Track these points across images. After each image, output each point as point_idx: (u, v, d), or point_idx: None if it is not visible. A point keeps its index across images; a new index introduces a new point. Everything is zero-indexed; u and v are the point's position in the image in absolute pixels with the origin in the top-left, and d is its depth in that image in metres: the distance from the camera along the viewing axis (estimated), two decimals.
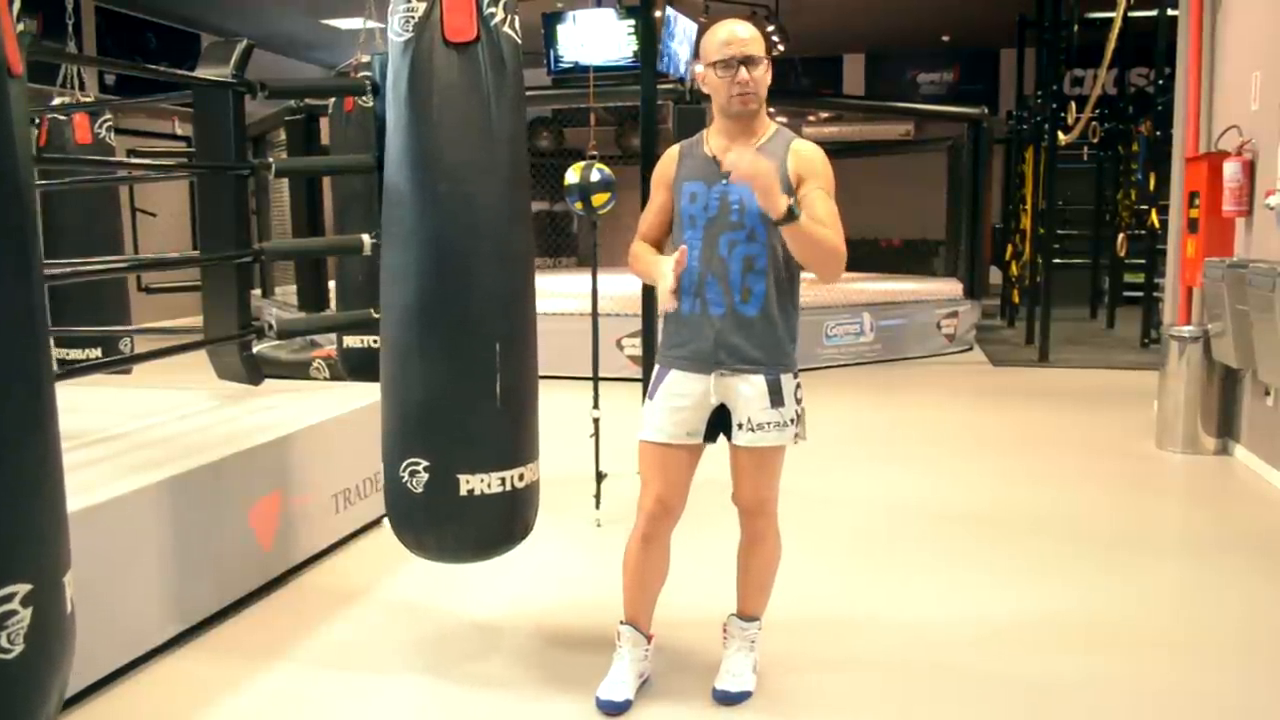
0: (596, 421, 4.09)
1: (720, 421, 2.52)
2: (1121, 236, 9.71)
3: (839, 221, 2.43)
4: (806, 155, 2.45)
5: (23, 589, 1.61)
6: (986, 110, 9.51)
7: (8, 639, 1.59)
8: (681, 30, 8.54)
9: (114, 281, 4.85)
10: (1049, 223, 9.10)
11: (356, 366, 4.33)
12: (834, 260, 2.37)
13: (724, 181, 2.44)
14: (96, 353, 4.66)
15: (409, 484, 2.61)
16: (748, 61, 2.38)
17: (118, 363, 4.05)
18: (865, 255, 10.71)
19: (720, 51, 2.40)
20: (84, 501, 2.56)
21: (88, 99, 4.87)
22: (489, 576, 3.40)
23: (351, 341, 4.31)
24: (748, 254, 2.42)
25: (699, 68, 2.47)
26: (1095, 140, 9.86)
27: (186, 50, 11.36)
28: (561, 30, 8.98)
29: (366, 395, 3.99)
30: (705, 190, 2.46)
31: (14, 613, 1.59)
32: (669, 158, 2.58)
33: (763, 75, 2.42)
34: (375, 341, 4.08)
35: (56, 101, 4.72)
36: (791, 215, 2.26)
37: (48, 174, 4.39)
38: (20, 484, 1.63)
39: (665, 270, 2.42)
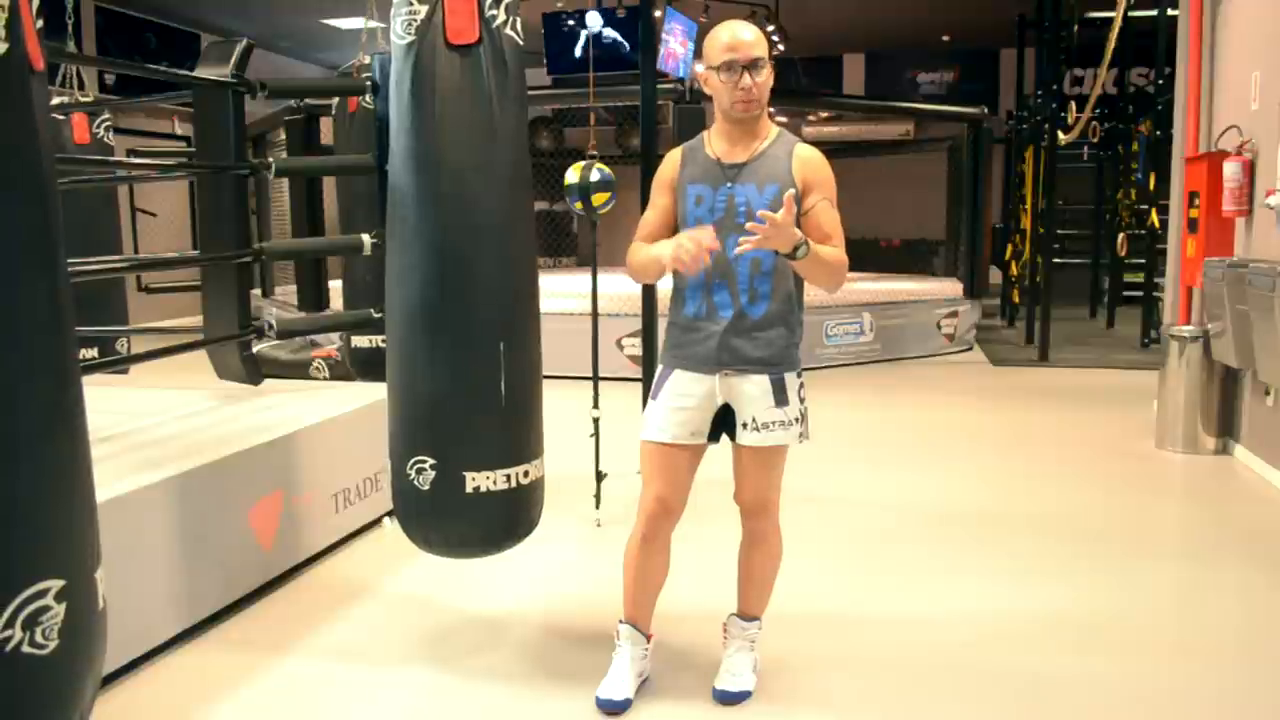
0: (596, 421, 4.09)
1: (723, 421, 2.53)
2: (1121, 236, 9.71)
3: (842, 232, 2.46)
4: (811, 162, 2.46)
5: (56, 584, 1.61)
6: (986, 110, 9.51)
7: (42, 634, 1.59)
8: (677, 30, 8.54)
9: (111, 282, 4.84)
10: (1049, 222, 9.10)
11: (364, 366, 4.33)
12: (838, 276, 2.43)
13: (729, 184, 2.45)
14: (93, 353, 4.66)
15: (416, 482, 2.63)
16: (751, 67, 2.38)
17: (114, 363, 4.05)
18: (865, 255, 10.69)
19: (723, 55, 2.39)
20: None
21: (86, 98, 4.86)
22: (489, 576, 3.41)
23: (360, 341, 4.31)
24: (755, 255, 2.41)
25: (700, 68, 2.47)
26: (1095, 140, 9.86)
27: (186, 50, 11.37)
28: (561, 30, 8.99)
29: (366, 395, 3.99)
30: (711, 193, 2.46)
31: (48, 608, 1.59)
32: (671, 161, 2.57)
33: (766, 79, 2.42)
34: (383, 341, 4.08)
35: (55, 101, 4.71)
36: (797, 253, 2.29)
37: None
38: (50, 479, 1.63)
39: (670, 242, 2.36)
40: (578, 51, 8.85)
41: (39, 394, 1.60)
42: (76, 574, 1.66)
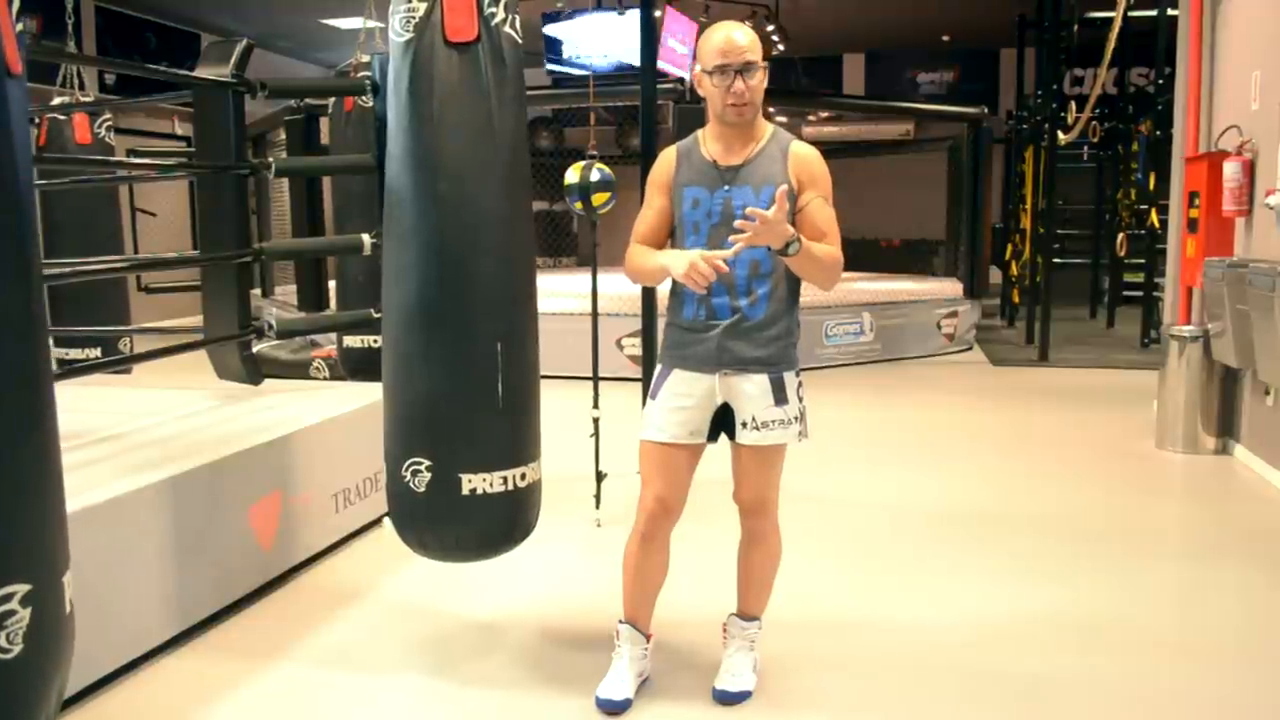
0: (596, 421, 4.09)
1: (722, 421, 2.52)
2: (1121, 236, 9.71)
3: (837, 229, 2.45)
4: (806, 159, 2.45)
5: (22, 589, 1.61)
6: (986, 110, 9.51)
7: (7, 639, 1.59)
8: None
9: (113, 281, 4.85)
10: (1049, 222, 9.10)
11: (356, 366, 4.33)
12: (832, 273, 2.41)
13: (726, 186, 2.44)
14: (96, 353, 4.66)
15: (411, 484, 2.61)
16: (744, 70, 2.36)
17: (117, 362, 4.05)
18: (865, 255, 10.71)
19: (716, 59, 2.37)
20: (84, 501, 2.56)
21: (87, 99, 4.87)
22: (489, 576, 3.40)
23: (351, 341, 4.31)
24: (753, 258, 2.41)
25: (698, 67, 2.46)
26: (1095, 140, 9.86)
27: (186, 50, 11.36)
28: (562, 30, 9.00)
29: (366, 395, 3.99)
30: (708, 196, 2.46)
31: (13, 612, 1.59)
32: (666, 161, 2.56)
33: (759, 83, 2.40)
34: (375, 341, 4.08)
35: (56, 101, 4.72)
36: (789, 249, 2.28)
37: (47, 174, 4.39)
38: (18, 484, 1.63)
39: (681, 255, 2.35)
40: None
41: (10, 399, 1.61)
42: (44, 578, 1.67)
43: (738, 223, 2.27)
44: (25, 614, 1.61)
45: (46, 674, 1.70)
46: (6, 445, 1.60)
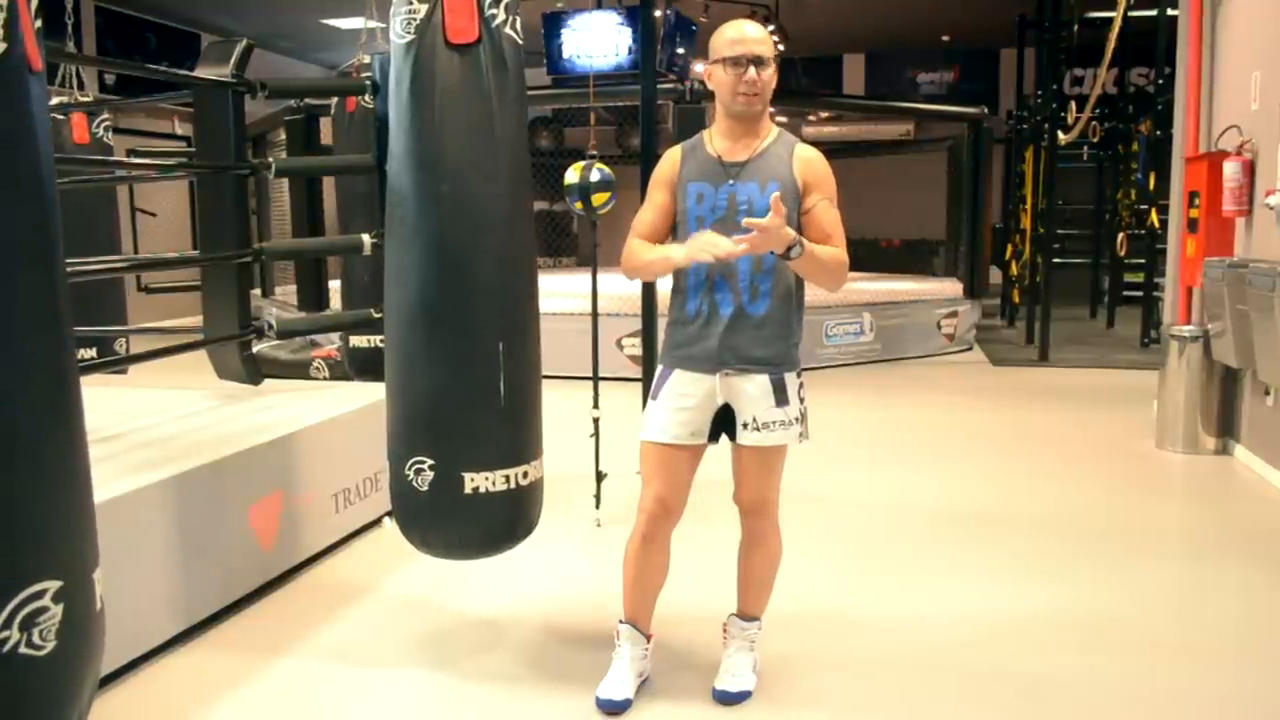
0: (596, 421, 4.09)
1: (722, 421, 2.53)
2: (1121, 236, 9.71)
3: (842, 231, 2.48)
4: (812, 162, 2.48)
5: (53, 585, 1.60)
6: (986, 110, 9.51)
7: (40, 636, 1.59)
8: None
9: (110, 282, 4.84)
10: (1049, 222, 9.11)
11: (363, 366, 4.33)
12: (837, 275, 2.44)
13: (731, 181, 2.45)
14: (91, 353, 4.65)
15: (414, 482, 2.62)
16: (757, 62, 2.40)
17: (113, 363, 4.05)
18: (865, 255, 10.71)
19: (730, 49, 2.42)
20: None
21: (86, 98, 4.86)
22: (489, 576, 3.40)
23: (358, 341, 4.31)
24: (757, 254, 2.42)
25: (699, 67, 2.48)
26: (1095, 140, 9.86)
27: (186, 50, 11.36)
28: (562, 32, 9.00)
29: (366, 395, 3.99)
30: (712, 191, 2.47)
31: (45, 609, 1.59)
32: (670, 159, 2.58)
33: (770, 78, 2.44)
34: (382, 341, 4.09)
35: (54, 101, 4.71)
36: (791, 253, 2.30)
37: None
38: (47, 479, 1.62)
39: (681, 247, 2.39)
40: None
41: (36, 394, 1.60)
42: (74, 575, 1.66)
43: (736, 237, 2.28)
44: (57, 610, 1.61)
45: (78, 671, 1.69)
46: (34, 440, 1.59)
